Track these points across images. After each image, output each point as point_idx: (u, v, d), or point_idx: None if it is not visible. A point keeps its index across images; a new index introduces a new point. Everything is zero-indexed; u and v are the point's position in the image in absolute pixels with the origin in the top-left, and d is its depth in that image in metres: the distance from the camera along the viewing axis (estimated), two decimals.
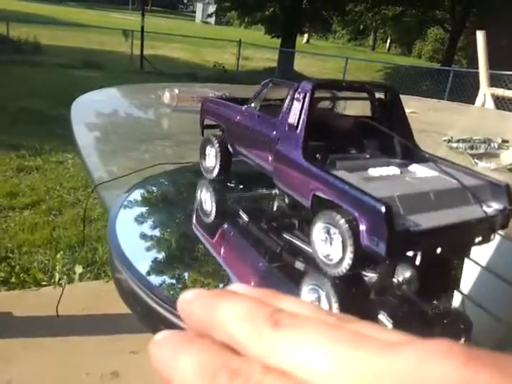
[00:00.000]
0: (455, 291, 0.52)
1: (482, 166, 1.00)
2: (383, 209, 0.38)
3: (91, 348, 1.64)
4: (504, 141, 1.10)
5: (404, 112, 0.58)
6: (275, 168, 0.55)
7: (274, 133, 0.56)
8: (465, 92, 6.68)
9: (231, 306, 0.18)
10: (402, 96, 0.61)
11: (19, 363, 1.51)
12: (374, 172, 0.51)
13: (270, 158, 0.56)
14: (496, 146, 1.05)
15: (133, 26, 10.11)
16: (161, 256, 0.51)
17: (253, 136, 0.60)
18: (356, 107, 0.63)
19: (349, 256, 0.42)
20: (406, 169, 0.54)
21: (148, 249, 0.52)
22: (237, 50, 10.40)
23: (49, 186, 2.97)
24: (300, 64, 12.04)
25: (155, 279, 0.43)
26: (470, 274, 0.55)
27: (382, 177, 0.51)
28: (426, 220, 0.42)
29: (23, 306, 1.79)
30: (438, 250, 0.42)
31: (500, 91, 3.31)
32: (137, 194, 0.66)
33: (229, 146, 0.67)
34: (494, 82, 3.82)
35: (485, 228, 0.46)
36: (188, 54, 12.05)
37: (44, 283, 1.96)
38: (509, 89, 3.79)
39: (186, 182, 0.79)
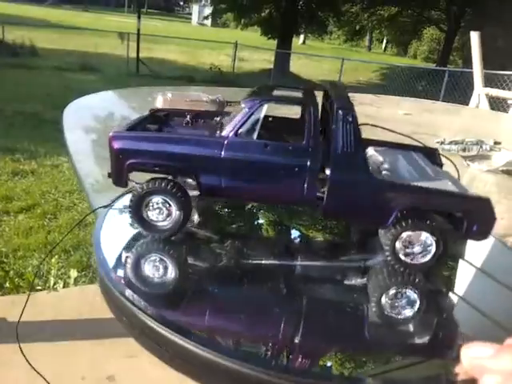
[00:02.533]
0: (450, 293, 0.53)
1: (475, 168, 1.00)
2: (490, 201, 0.53)
3: (87, 352, 1.63)
4: (496, 142, 1.10)
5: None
6: (330, 197, 0.52)
7: (309, 161, 0.52)
8: (460, 92, 6.69)
9: None
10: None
11: (14, 368, 1.50)
12: (389, 166, 0.58)
13: (307, 189, 0.53)
14: (488, 148, 1.05)
15: (129, 29, 10.10)
16: (145, 266, 0.50)
17: (262, 170, 0.53)
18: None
19: (439, 251, 0.52)
20: (387, 157, 0.61)
21: (132, 258, 0.52)
22: (233, 51, 10.40)
23: (44, 190, 2.97)
24: (296, 65, 12.05)
25: (139, 289, 0.42)
26: (464, 276, 0.55)
27: (403, 171, 0.58)
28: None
29: (17, 310, 1.78)
30: None
31: (494, 91, 3.31)
32: (123, 203, 0.65)
33: (200, 189, 0.56)
34: (490, 82, 3.83)
35: None
36: (184, 57, 12.04)
37: (39, 288, 1.95)
38: (504, 89, 3.80)
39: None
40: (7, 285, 1.93)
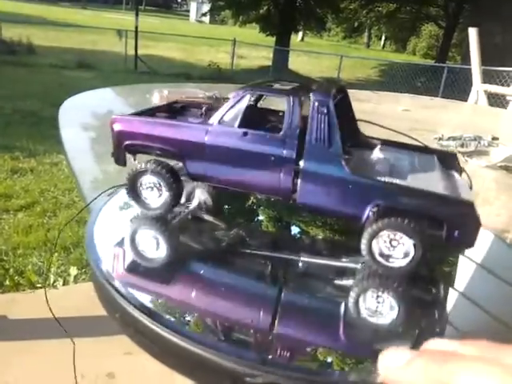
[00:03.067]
0: (450, 288, 0.52)
1: (473, 164, 1.00)
2: (474, 206, 0.47)
3: (86, 350, 1.63)
4: (494, 138, 1.10)
5: (351, 104, 0.62)
6: (302, 189, 0.52)
7: (285, 151, 0.52)
8: (459, 88, 6.69)
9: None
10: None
11: (14, 366, 1.51)
12: (384, 168, 0.55)
13: (281, 179, 0.53)
14: (486, 144, 1.06)
15: (127, 26, 10.07)
16: (139, 263, 0.50)
17: (240, 158, 0.54)
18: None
19: (417, 255, 0.48)
20: (388, 158, 0.59)
21: (126, 255, 0.52)
22: (231, 48, 10.39)
23: (43, 188, 2.97)
24: (295, 62, 12.04)
25: (133, 286, 0.42)
26: (464, 272, 0.55)
27: (396, 171, 0.55)
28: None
29: (18, 308, 1.78)
30: None
31: (493, 88, 3.32)
32: (116, 200, 0.65)
33: (186, 173, 0.59)
34: (488, 78, 3.83)
35: None
36: (182, 54, 12.02)
37: (39, 285, 1.96)
38: (503, 85, 3.80)
39: None
40: (7, 282, 1.94)
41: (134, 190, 0.59)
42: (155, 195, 0.59)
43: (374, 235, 0.49)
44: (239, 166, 0.55)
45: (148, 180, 0.58)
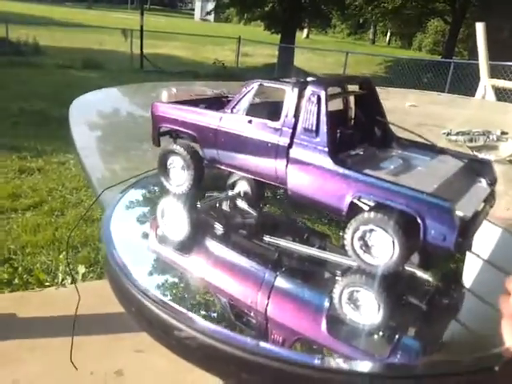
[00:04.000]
0: (457, 284, 0.52)
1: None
2: (450, 205, 0.42)
3: (95, 347, 1.64)
4: (503, 132, 1.09)
5: (380, 103, 0.60)
6: (290, 177, 0.53)
7: (279, 138, 0.53)
8: (466, 84, 6.65)
9: None
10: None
11: (24, 364, 1.52)
12: (388, 165, 0.52)
13: (276, 166, 0.54)
14: (495, 138, 1.05)
15: (132, 25, 10.10)
16: (154, 257, 0.50)
17: (244, 144, 0.57)
18: (336, 102, 0.63)
19: (397, 253, 0.44)
20: (405, 157, 0.56)
21: (142, 249, 0.52)
22: (236, 46, 10.38)
23: (51, 187, 2.98)
24: (300, 59, 12.01)
25: (149, 279, 0.43)
26: (471, 268, 0.55)
27: (398, 169, 0.52)
28: (465, 207, 0.45)
29: (27, 306, 1.79)
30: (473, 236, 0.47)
31: (501, 82, 3.29)
32: (131, 195, 0.66)
33: (204, 156, 0.63)
34: (496, 73, 3.80)
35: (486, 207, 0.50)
36: (188, 52, 12.03)
37: (47, 284, 1.97)
38: (510, 80, 3.77)
39: None
40: (16, 281, 1.95)
41: (162, 168, 0.65)
42: (179, 174, 0.64)
43: (354, 230, 0.47)
44: (243, 152, 0.58)
45: (173, 159, 0.64)
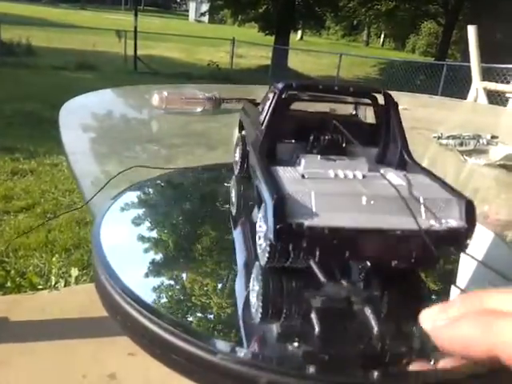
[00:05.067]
0: (452, 286, 0.53)
1: (472, 163, 1.00)
2: (274, 197, 0.37)
3: (88, 351, 1.64)
4: (493, 136, 1.10)
5: (399, 119, 0.52)
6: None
7: (257, 133, 0.54)
8: (459, 86, 6.69)
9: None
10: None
11: (15, 368, 1.51)
12: (321, 170, 0.47)
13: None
14: (485, 142, 1.06)
15: (126, 26, 10.09)
16: (145, 264, 0.50)
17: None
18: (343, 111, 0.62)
19: (262, 247, 0.41)
20: (367, 174, 0.47)
21: (132, 256, 0.52)
22: (230, 48, 10.40)
23: (43, 189, 2.97)
24: (294, 61, 12.04)
25: (137, 287, 0.43)
26: (465, 269, 0.55)
27: (324, 176, 0.45)
28: (337, 219, 0.38)
29: (19, 310, 1.79)
30: (346, 254, 0.39)
31: (492, 85, 3.31)
32: (123, 201, 0.65)
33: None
34: (488, 75, 3.83)
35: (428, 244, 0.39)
36: (182, 54, 12.03)
37: (40, 287, 1.96)
38: (502, 82, 3.80)
39: (174, 188, 0.78)
40: (8, 284, 1.94)
41: (234, 152, 0.66)
42: (238, 159, 0.65)
43: None
44: None
45: (237, 148, 0.67)
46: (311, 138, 0.53)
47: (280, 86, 0.51)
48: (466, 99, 3.23)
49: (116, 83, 1.76)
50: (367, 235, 0.37)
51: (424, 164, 0.55)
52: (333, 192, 0.40)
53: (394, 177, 0.46)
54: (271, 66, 10.80)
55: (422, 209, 0.40)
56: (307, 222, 0.36)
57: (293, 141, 0.53)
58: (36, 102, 5.13)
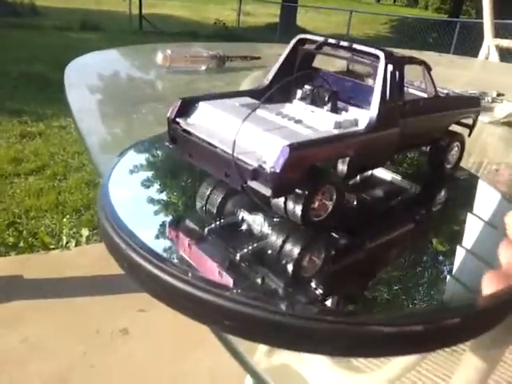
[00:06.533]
0: (459, 246, 0.53)
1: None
2: None
3: (100, 307, 1.70)
4: (499, 94, 1.09)
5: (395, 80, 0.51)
6: None
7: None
8: (473, 44, 6.50)
9: None
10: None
11: (32, 323, 1.58)
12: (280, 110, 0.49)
13: None
14: (490, 100, 1.04)
15: None
16: (150, 213, 0.51)
17: None
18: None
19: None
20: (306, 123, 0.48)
21: (135, 209, 0.53)
22: (237, 5, 10.14)
23: (52, 151, 2.99)
24: (303, 19, 11.73)
25: (142, 234, 0.44)
26: (472, 229, 0.56)
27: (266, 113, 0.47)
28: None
29: (32, 269, 1.84)
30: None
31: (505, 42, 3.21)
32: (130, 158, 0.65)
33: None
34: (503, 31, 3.70)
35: None
36: (188, 12, 11.75)
37: (52, 247, 2.01)
38: None
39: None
40: (21, 244, 1.99)
41: None
42: None
43: None
44: None
45: None
46: (304, 88, 0.54)
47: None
48: (476, 58, 3.15)
49: (121, 43, 1.74)
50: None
51: None
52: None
53: (310, 131, 0.45)
54: (279, 24, 10.53)
55: (257, 147, 0.41)
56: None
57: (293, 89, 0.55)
58: (42, 63, 5.09)
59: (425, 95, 0.56)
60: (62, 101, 1.00)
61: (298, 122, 0.46)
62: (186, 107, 0.46)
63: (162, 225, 0.51)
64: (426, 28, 9.40)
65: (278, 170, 0.37)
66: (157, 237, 0.48)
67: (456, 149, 0.61)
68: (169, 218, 0.51)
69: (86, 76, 1.31)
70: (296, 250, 0.41)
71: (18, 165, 2.75)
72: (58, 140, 3.20)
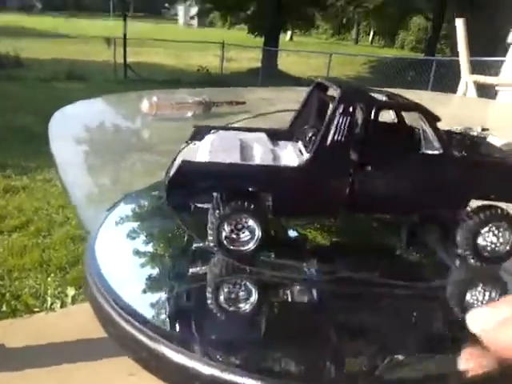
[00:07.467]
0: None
1: None
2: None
3: (87, 372, 1.62)
4: (484, 129, 1.09)
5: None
6: None
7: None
8: (449, 81, 6.69)
9: None
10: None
11: None
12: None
13: None
14: (475, 135, 1.04)
15: (114, 32, 10.06)
16: (140, 278, 0.48)
17: None
18: None
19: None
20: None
21: (127, 270, 0.49)
22: (220, 51, 10.38)
23: (37, 206, 2.94)
24: (284, 62, 12.04)
25: (132, 301, 0.41)
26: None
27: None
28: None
29: (15, 335, 1.76)
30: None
31: (481, 78, 3.30)
32: (118, 212, 0.62)
33: None
34: (478, 69, 3.81)
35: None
36: (172, 59, 11.99)
37: (36, 309, 1.93)
38: (491, 75, 3.79)
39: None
40: (4, 308, 1.91)
41: None
42: None
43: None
44: None
45: None
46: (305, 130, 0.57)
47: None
48: (455, 94, 3.22)
49: (106, 93, 1.73)
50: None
51: None
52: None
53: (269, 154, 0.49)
54: (261, 68, 10.77)
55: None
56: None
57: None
58: (27, 115, 5.09)
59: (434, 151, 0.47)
60: (47, 153, 0.98)
61: (266, 152, 0.48)
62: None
63: (156, 292, 0.47)
64: (403, 67, 9.67)
65: (170, 178, 0.45)
66: (152, 305, 0.45)
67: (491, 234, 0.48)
68: (162, 288, 0.47)
69: (71, 127, 1.29)
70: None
71: (2, 222, 2.69)
72: (42, 194, 3.16)
